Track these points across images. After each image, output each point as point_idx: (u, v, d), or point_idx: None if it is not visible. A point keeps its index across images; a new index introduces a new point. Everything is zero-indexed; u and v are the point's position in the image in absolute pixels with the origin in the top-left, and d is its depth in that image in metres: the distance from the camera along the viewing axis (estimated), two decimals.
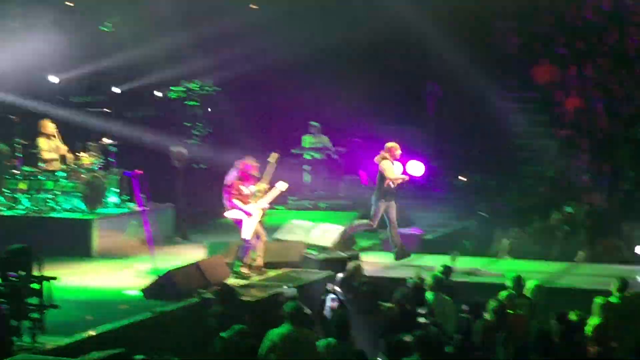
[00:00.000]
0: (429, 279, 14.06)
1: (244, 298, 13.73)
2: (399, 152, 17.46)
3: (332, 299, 13.52)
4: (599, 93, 25.38)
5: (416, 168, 20.73)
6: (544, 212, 20.23)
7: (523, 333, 12.06)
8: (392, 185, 17.24)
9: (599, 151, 23.89)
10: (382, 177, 17.22)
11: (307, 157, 22.95)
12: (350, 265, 15.12)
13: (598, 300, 12.77)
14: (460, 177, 23.93)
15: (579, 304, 13.05)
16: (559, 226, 19.50)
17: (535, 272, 16.00)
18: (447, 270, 14.53)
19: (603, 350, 11.63)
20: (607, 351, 11.71)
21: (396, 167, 17.37)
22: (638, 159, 23.14)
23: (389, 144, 17.41)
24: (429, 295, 13.52)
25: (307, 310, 12.07)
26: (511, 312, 12.67)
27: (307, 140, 23.14)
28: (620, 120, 24.60)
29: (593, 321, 12.30)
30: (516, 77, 26.63)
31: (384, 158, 17.24)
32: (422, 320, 12.75)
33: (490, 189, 23.25)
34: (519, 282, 13.75)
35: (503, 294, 13.33)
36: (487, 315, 12.34)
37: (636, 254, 17.84)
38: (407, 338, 10.97)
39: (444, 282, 14.07)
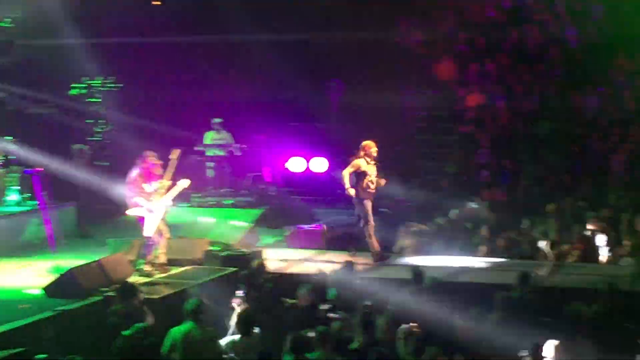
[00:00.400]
0: (331, 275, 14.14)
1: (146, 296, 13.61)
2: (374, 150, 16.96)
3: (235, 297, 13.47)
4: (500, 89, 25.74)
5: (319, 164, 20.85)
6: (445, 208, 20.42)
7: (426, 327, 12.17)
8: (371, 185, 16.89)
9: (499, 147, 24.23)
10: (359, 176, 16.85)
11: (209, 153, 22.82)
12: (254, 262, 15.12)
13: (498, 295, 12.98)
14: None
15: (481, 299, 13.28)
16: (460, 222, 19.70)
17: (437, 267, 16.15)
18: (349, 266, 14.60)
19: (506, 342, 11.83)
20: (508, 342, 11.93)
21: (370, 168, 16.89)
22: (538, 154, 23.51)
23: (364, 143, 16.95)
24: (331, 291, 13.58)
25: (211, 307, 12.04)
26: (416, 306, 12.82)
27: (210, 136, 23.00)
28: (520, 116, 24.98)
29: (494, 315, 12.53)
30: (418, 74, 26.82)
31: (358, 157, 16.86)
32: (332, 315, 12.79)
33: (393, 184, 23.39)
34: (420, 277, 13.90)
35: (405, 290, 13.45)
36: (390, 310, 12.46)
37: (539, 248, 18.11)
38: (311, 334, 11.02)
39: (345, 277, 14.17)
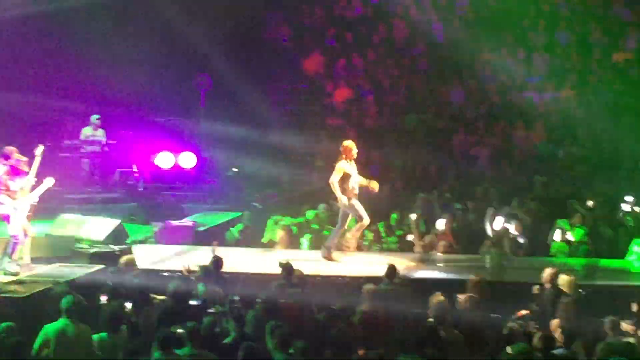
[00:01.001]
0: (199, 271, 14.08)
1: (11, 295, 13.35)
2: (355, 151, 16.43)
3: (103, 293, 13.29)
4: (368, 84, 25.99)
5: (188, 160, 20.66)
6: (315, 202, 20.51)
7: (294, 321, 12.22)
8: (356, 186, 16.38)
9: (367, 140, 24.43)
10: (344, 179, 16.27)
11: (85, 149, 22.54)
12: (123, 258, 14.96)
13: (366, 287, 13.09)
14: (233, 169, 24.01)
15: (351, 292, 13.39)
16: (329, 215, 19.82)
17: (308, 261, 16.21)
18: (217, 261, 14.54)
19: (371, 335, 11.96)
20: (377, 337, 12.05)
21: (353, 169, 16.41)
22: (405, 147, 23.81)
23: (345, 144, 16.39)
24: (200, 286, 13.52)
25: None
26: (285, 301, 12.86)
27: (84, 132, 22.73)
28: (388, 109, 25.26)
29: (361, 308, 12.63)
30: (287, 68, 26.89)
31: (339, 160, 16.30)
32: (212, 310, 12.75)
33: (263, 179, 23.43)
34: (289, 271, 13.94)
35: (274, 284, 13.47)
36: (260, 305, 12.47)
37: (407, 240, 18.36)
38: (180, 330, 10.96)
39: (213, 273, 14.12)
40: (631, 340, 11.84)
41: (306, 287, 13.94)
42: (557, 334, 11.53)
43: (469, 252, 17.57)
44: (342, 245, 16.86)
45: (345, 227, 16.68)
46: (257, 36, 27.02)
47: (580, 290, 13.77)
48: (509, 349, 10.32)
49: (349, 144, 16.31)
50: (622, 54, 25.25)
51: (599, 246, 17.69)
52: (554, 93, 24.57)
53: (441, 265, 16.43)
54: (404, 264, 15.85)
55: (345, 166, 16.14)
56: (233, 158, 24.04)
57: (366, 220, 16.47)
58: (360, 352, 10.68)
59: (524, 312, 12.49)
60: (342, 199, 16.17)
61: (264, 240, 19.06)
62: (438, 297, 12.33)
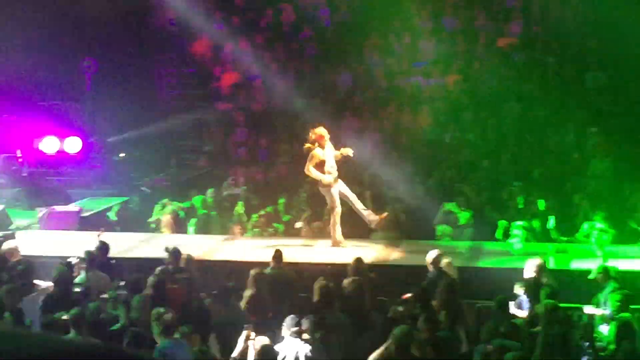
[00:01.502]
0: (85, 257, 13.94)
1: None
2: (327, 137, 15.94)
3: None
4: (255, 68, 25.96)
5: (73, 144, 20.38)
6: (203, 187, 20.47)
7: (181, 306, 12.18)
8: (332, 171, 15.91)
9: (256, 125, 24.46)
10: (318, 166, 15.88)
11: None
12: (4, 245, 14.71)
13: (253, 272, 13.12)
14: (120, 154, 23.79)
15: (238, 276, 13.39)
16: (217, 201, 19.80)
17: (195, 245, 16.17)
18: (102, 247, 14.41)
19: (259, 319, 12.00)
20: (264, 321, 12.10)
21: (328, 154, 15.91)
22: (293, 132, 23.88)
23: (317, 132, 15.87)
24: (82, 273, 13.38)
25: None
26: (171, 286, 12.81)
27: None
28: (276, 94, 25.27)
29: (247, 292, 12.67)
30: (174, 52, 26.70)
31: (312, 148, 15.84)
32: (105, 295, 12.64)
33: (151, 163, 23.28)
34: (176, 256, 13.89)
35: (159, 269, 13.40)
36: (147, 290, 12.41)
37: (295, 227, 18.43)
38: (65, 316, 10.86)
39: (97, 259, 14.00)
40: (518, 321, 12.08)
41: (193, 272, 13.91)
42: (442, 316, 11.70)
43: (358, 236, 17.69)
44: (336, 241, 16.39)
45: (339, 208, 16.17)
46: (144, 20, 26.75)
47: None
48: (395, 332, 10.42)
49: (321, 131, 15.87)
50: (506, 39, 25.66)
51: (484, 229, 17.96)
52: (440, 78, 24.86)
53: (328, 249, 16.49)
54: (291, 248, 15.92)
55: (319, 153, 15.79)
56: (120, 143, 23.82)
57: (338, 209, 16.11)
58: (247, 332, 10.70)
59: (408, 295, 12.63)
60: (324, 179, 15.85)
61: (151, 224, 18.94)
62: (322, 282, 12.41)
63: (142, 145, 23.55)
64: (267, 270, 13.54)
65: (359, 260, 13.58)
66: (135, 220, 19.53)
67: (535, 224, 17.32)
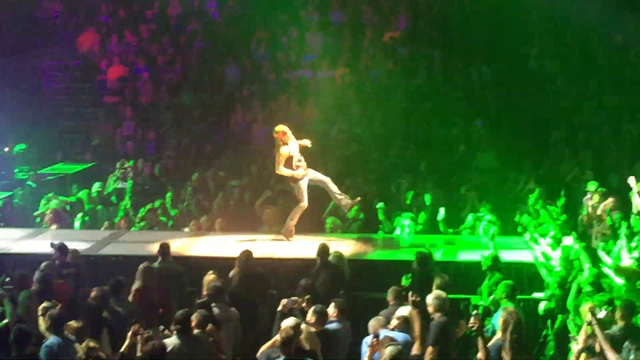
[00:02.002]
0: None
1: None
2: (289, 133, 15.62)
3: None
4: (142, 61, 25.73)
5: None
6: (88, 181, 20.27)
7: (67, 301, 12.04)
8: (300, 164, 15.64)
9: (143, 118, 24.26)
10: (287, 162, 15.63)
11: None
12: None
13: (141, 266, 13.03)
14: (5, 148, 23.32)
15: (127, 271, 13.27)
16: (102, 195, 19.60)
17: (81, 240, 15.98)
18: None
19: (148, 314, 11.94)
20: (152, 315, 12.04)
21: (293, 149, 15.58)
22: (181, 125, 23.76)
23: (278, 129, 15.60)
24: None
25: None
26: (58, 281, 12.67)
27: None
28: (163, 87, 25.10)
29: (135, 286, 12.60)
30: (60, 45, 26.28)
31: (278, 146, 15.55)
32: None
33: (37, 158, 22.88)
34: (62, 251, 13.72)
35: (45, 264, 13.21)
36: (33, 286, 12.24)
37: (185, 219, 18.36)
38: None
39: None
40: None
41: (80, 267, 13.75)
42: (331, 309, 11.74)
43: (245, 230, 17.69)
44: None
45: (305, 203, 15.93)
46: (29, 13, 26.28)
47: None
48: (283, 325, 10.44)
49: (282, 128, 15.61)
50: (392, 34, 25.90)
51: (373, 221, 18.08)
52: (328, 71, 24.98)
53: (217, 243, 16.44)
54: (179, 242, 15.85)
55: (285, 150, 15.54)
56: (5, 136, 23.35)
57: (304, 204, 15.88)
58: (135, 327, 10.61)
59: (305, 281, 12.65)
60: (298, 174, 15.62)
61: (37, 219, 18.65)
62: (210, 275, 12.38)
63: (28, 138, 23.10)
64: (155, 265, 13.42)
65: (247, 254, 13.55)
66: (20, 215, 19.19)
67: (423, 216, 17.52)
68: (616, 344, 10.47)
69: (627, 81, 24.18)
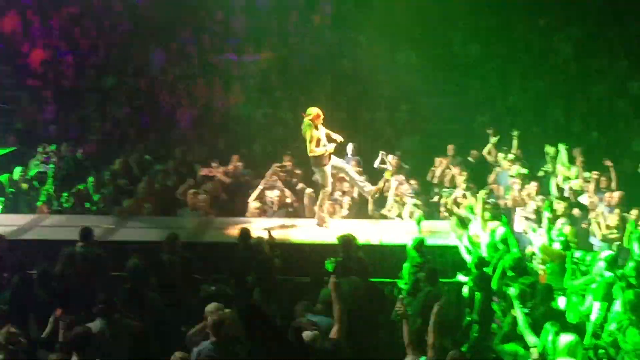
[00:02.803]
0: None
1: None
2: (322, 117, 15.66)
3: None
4: (65, 44, 25.42)
5: None
6: (10, 165, 19.99)
7: None
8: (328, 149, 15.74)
9: (66, 101, 23.96)
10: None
11: None
12: None
13: (65, 250, 12.89)
14: None
15: (49, 256, 13.13)
16: (24, 179, 19.33)
17: (2, 224, 15.77)
18: None
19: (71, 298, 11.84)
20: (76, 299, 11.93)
21: (322, 133, 15.67)
22: (104, 109, 23.50)
23: (313, 111, 15.55)
24: None
25: None
26: None
27: None
28: (86, 71, 24.81)
29: (57, 271, 12.47)
30: None
31: (309, 127, 15.51)
32: None
33: None
34: None
35: None
36: None
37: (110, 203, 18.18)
38: None
39: None
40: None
41: (3, 251, 13.56)
42: (256, 293, 11.72)
43: (169, 214, 17.60)
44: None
45: (329, 187, 16.07)
46: None
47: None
48: (207, 309, 10.39)
49: (317, 111, 15.60)
50: (319, 17, 25.90)
51: (298, 206, 18.05)
52: (253, 55, 24.91)
53: (142, 227, 16.31)
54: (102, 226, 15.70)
55: (316, 133, 15.58)
56: None
57: (328, 189, 16.02)
58: (57, 312, 10.50)
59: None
60: (328, 149, 15.74)
61: None
62: (134, 260, 12.27)
63: None
64: (78, 249, 13.26)
65: (172, 238, 13.46)
66: None
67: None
68: (535, 326, 10.64)
69: (551, 66, 24.46)
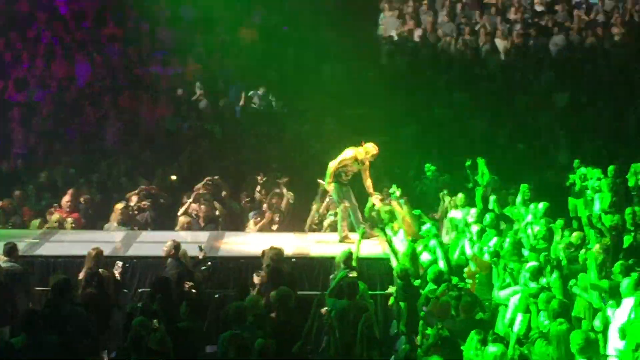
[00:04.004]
0: None
1: None
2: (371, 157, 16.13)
3: None
4: None
5: None
6: None
7: None
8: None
9: None
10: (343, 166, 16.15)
11: None
12: None
13: None
14: None
15: None
16: None
17: None
18: None
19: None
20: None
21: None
22: (29, 122, 23.18)
23: (372, 150, 16.09)
24: None
25: None
26: None
27: None
28: (11, 83, 24.45)
29: None
30: None
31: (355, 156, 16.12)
32: None
33: None
34: None
35: None
36: None
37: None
38: None
39: None
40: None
41: None
42: (182, 307, 11.65)
43: (95, 227, 17.43)
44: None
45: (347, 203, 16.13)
46: None
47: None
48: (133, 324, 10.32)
49: (375, 151, 16.11)
50: (248, 30, 25.89)
51: (229, 220, 17.99)
52: (180, 67, 24.82)
53: (67, 241, 16.10)
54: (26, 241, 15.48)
55: (355, 164, 16.16)
56: None
57: (347, 204, 16.19)
58: None
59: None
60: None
61: None
62: (57, 276, 12.14)
63: None
64: (1, 264, 13.07)
65: (97, 255, 13.32)
66: None
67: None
68: (458, 334, 10.74)
69: (476, 78, 24.67)
